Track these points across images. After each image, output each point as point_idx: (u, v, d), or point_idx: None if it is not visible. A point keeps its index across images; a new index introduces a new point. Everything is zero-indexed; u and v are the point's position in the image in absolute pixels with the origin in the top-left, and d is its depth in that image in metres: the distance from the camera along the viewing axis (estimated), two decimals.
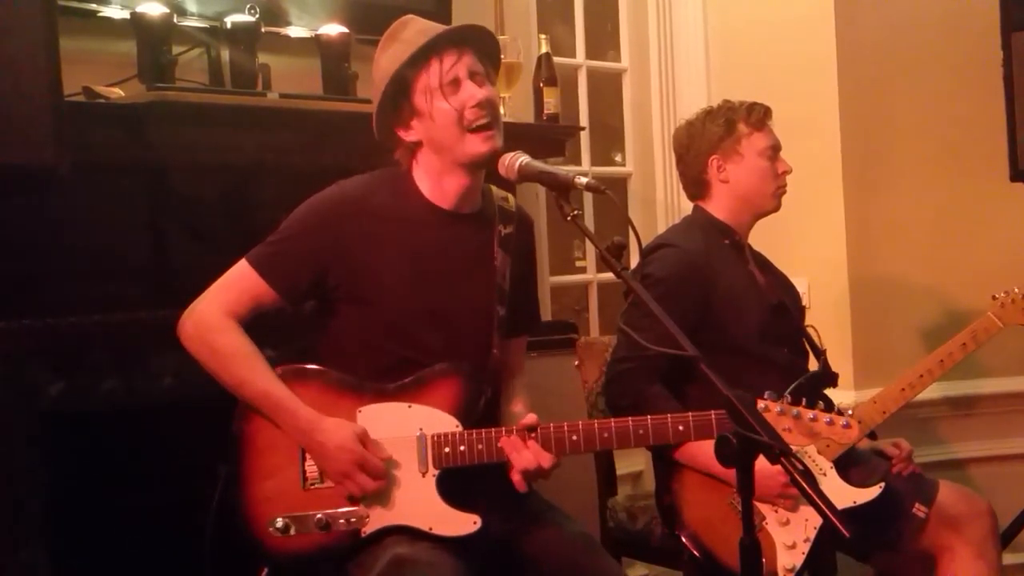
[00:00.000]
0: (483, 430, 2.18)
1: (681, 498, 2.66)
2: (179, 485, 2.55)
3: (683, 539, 2.63)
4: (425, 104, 2.22)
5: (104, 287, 2.61)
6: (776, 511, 2.58)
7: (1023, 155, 3.31)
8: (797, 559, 2.56)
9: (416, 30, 2.26)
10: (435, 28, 2.26)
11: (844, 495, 2.58)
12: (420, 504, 2.16)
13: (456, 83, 2.22)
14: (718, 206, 2.88)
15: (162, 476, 2.62)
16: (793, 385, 2.52)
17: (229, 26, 2.89)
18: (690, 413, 2.22)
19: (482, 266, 2.34)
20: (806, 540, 2.56)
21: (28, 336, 2.43)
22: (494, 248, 2.35)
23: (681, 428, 2.21)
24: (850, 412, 2.29)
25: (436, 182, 2.30)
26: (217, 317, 2.21)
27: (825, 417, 2.21)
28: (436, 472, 2.17)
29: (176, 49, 2.78)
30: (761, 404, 2.17)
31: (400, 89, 2.25)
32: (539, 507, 2.34)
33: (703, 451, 2.58)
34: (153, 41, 2.72)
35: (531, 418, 2.19)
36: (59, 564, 2.49)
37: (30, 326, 2.43)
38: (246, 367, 2.19)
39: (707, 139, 2.85)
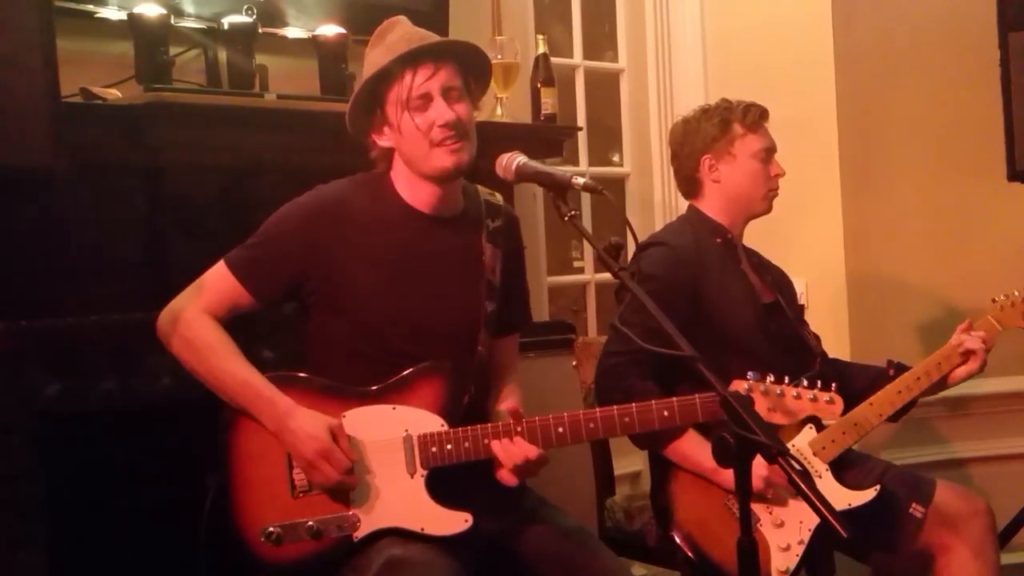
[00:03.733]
0: (469, 427, 2.19)
1: (676, 499, 2.66)
2: (177, 485, 2.54)
3: (677, 540, 2.63)
4: (395, 116, 2.23)
5: (101, 288, 2.61)
6: (770, 512, 2.58)
7: (1020, 155, 3.32)
8: (791, 561, 2.55)
9: (399, 35, 2.25)
10: (420, 36, 2.26)
11: (839, 497, 2.58)
12: (410, 505, 2.16)
13: (427, 98, 2.22)
14: (710, 205, 2.87)
15: (160, 476, 2.62)
16: None
17: (226, 27, 2.89)
18: (675, 398, 2.22)
19: (468, 266, 2.34)
20: (800, 542, 2.56)
21: (26, 336, 2.43)
22: (482, 244, 2.35)
23: (666, 413, 2.21)
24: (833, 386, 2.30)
25: (412, 188, 2.31)
26: (194, 313, 2.22)
27: (808, 394, 2.22)
28: (424, 472, 2.17)
29: (173, 50, 2.78)
30: (744, 384, 2.17)
31: (374, 97, 2.26)
32: (532, 503, 2.35)
33: (693, 450, 2.59)
34: (150, 42, 2.72)
35: (512, 406, 2.20)
36: (57, 564, 2.48)
37: (28, 327, 2.43)
38: (223, 359, 2.20)
39: (701, 138, 2.85)
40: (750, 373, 2.18)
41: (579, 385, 3.09)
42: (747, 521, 1.81)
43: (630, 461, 3.82)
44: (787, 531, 2.57)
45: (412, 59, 2.22)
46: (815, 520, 2.54)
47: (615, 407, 2.22)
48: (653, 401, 2.22)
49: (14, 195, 2.40)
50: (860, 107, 3.89)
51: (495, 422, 2.25)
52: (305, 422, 2.14)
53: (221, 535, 2.19)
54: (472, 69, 2.30)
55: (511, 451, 2.15)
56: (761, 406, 2.15)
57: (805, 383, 2.27)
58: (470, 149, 2.25)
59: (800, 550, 2.56)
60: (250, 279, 2.24)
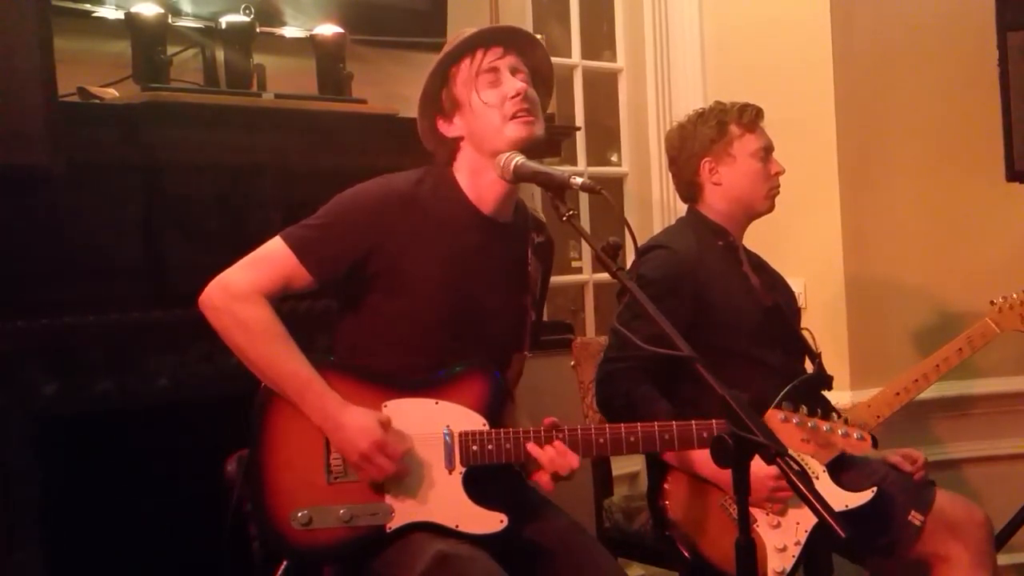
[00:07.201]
0: (510, 430, 2.18)
1: (673, 499, 2.65)
2: (174, 486, 2.55)
3: (674, 540, 2.63)
4: (465, 95, 2.23)
5: (99, 288, 2.60)
6: (767, 513, 2.58)
7: (1019, 155, 3.32)
8: (787, 562, 2.55)
9: (469, 32, 2.28)
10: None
11: (836, 499, 2.56)
12: (446, 501, 2.14)
13: (496, 73, 2.23)
14: (711, 208, 2.87)
15: (157, 477, 2.62)
16: (788, 387, 2.53)
17: (224, 26, 2.89)
18: (713, 420, 2.21)
19: (517, 274, 2.34)
20: (797, 543, 2.56)
21: (23, 337, 2.43)
22: (528, 255, 2.35)
23: (705, 435, 2.21)
24: (845, 419, 2.30)
25: (476, 183, 2.28)
26: (247, 290, 2.15)
27: (840, 429, 2.23)
28: (463, 469, 2.16)
29: (171, 49, 2.77)
30: (780, 415, 2.17)
31: (443, 80, 2.26)
32: (536, 501, 2.34)
33: (691, 454, 2.58)
34: (148, 41, 2.71)
35: (550, 419, 2.19)
36: (54, 565, 2.48)
37: (25, 327, 2.43)
38: (275, 344, 2.14)
39: (699, 142, 2.84)
40: (784, 404, 2.19)
41: (577, 385, 3.09)
42: (745, 520, 1.80)
43: (628, 461, 3.81)
44: (784, 532, 2.57)
45: (483, 40, 2.24)
46: (812, 521, 2.54)
47: (656, 424, 2.22)
48: (693, 422, 2.22)
49: (11, 194, 2.40)
50: (858, 107, 3.89)
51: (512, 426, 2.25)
52: (355, 417, 2.12)
53: (250, 514, 2.16)
54: (537, 74, 2.31)
55: (558, 460, 2.16)
56: (795, 436, 2.18)
57: (835, 417, 2.28)
58: (541, 127, 2.25)
59: (796, 551, 2.55)
60: (312, 259, 2.18)
